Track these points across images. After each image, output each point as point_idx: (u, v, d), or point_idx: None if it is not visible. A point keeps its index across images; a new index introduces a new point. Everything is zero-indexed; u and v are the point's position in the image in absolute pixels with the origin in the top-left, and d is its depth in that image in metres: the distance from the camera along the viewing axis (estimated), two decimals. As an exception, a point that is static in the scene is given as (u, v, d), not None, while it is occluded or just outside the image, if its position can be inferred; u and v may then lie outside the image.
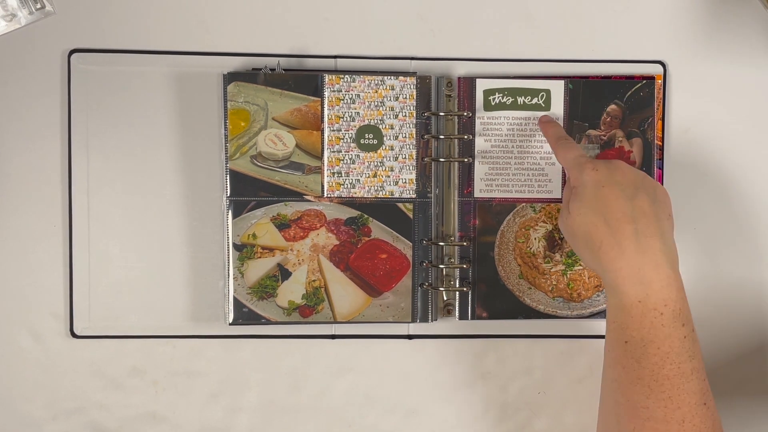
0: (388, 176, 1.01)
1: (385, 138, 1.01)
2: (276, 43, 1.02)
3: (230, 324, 1.00)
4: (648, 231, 0.87)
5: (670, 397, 0.86)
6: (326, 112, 1.00)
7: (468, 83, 1.02)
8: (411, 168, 1.01)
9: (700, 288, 1.05)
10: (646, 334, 0.86)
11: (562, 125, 1.02)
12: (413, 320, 1.02)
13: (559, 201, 1.03)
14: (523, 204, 1.03)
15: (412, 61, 1.03)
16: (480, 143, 1.02)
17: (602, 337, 1.04)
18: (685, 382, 0.86)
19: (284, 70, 1.01)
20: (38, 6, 1.00)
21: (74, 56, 1.01)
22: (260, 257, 1.00)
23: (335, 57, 1.02)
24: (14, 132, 1.01)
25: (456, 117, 1.02)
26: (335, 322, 1.01)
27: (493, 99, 1.02)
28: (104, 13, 1.01)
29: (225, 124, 1.00)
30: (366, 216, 1.01)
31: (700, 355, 0.88)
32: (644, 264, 0.86)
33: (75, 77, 1.01)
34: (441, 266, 1.02)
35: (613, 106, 1.03)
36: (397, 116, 1.00)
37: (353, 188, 1.01)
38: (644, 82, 1.03)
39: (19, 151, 1.01)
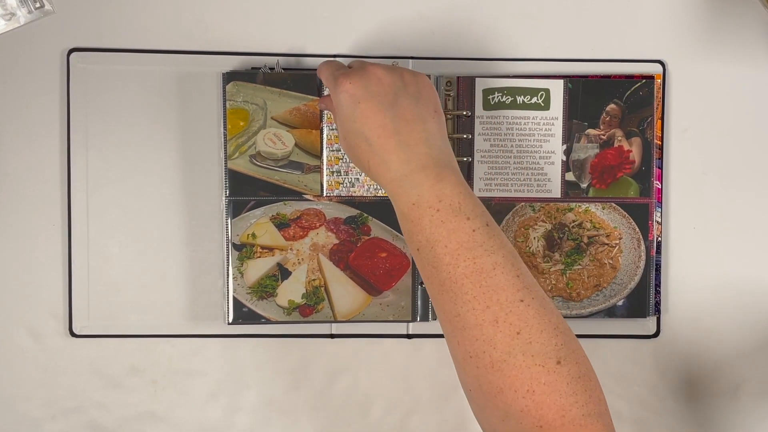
0: (388, 175, 1.01)
1: (384, 137, 1.00)
2: (275, 43, 1.02)
3: (230, 324, 1.00)
4: (411, 139, 0.86)
5: (475, 297, 0.82)
6: (325, 111, 1.00)
7: (467, 82, 1.02)
8: (410, 167, 1.01)
9: (700, 288, 1.05)
10: (430, 234, 0.83)
11: (562, 125, 1.02)
12: (413, 319, 1.02)
13: (558, 200, 1.03)
14: (523, 203, 1.03)
15: (412, 60, 1.03)
16: (479, 142, 1.02)
17: (601, 336, 1.04)
18: (486, 278, 0.82)
19: (283, 69, 1.01)
20: (37, 5, 1.00)
21: (73, 55, 1.00)
22: (260, 257, 1.00)
23: (334, 56, 1.02)
24: (13, 131, 1.01)
25: (455, 116, 1.02)
26: (335, 321, 1.01)
27: (493, 98, 1.02)
28: (103, 12, 1.01)
29: (224, 124, 1.00)
30: (365, 215, 1.01)
31: (506, 251, 0.84)
32: (411, 170, 0.85)
33: (74, 76, 1.01)
34: (440, 265, 1.02)
35: (612, 106, 1.03)
36: (396, 115, 1.00)
37: (352, 187, 1.01)
38: (644, 81, 1.03)
39: (18, 151, 1.01)
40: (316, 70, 1.00)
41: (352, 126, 0.88)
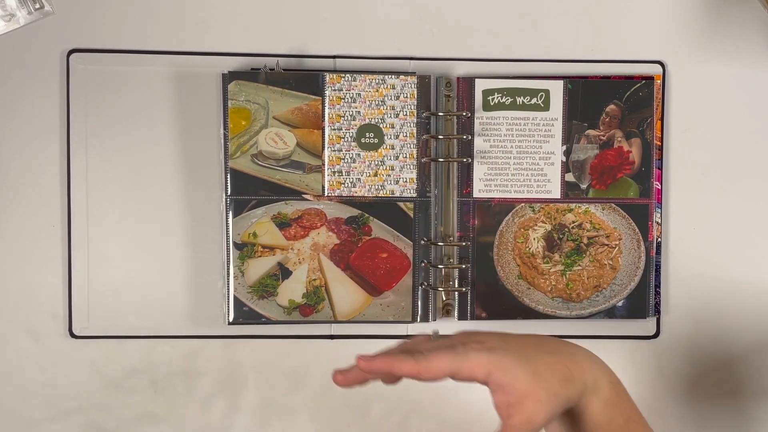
0: (389, 175, 1.01)
1: (385, 137, 1.01)
2: (275, 43, 1.02)
3: (230, 323, 1.00)
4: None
5: None
6: (327, 110, 1.00)
7: (467, 83, 1.02)
8: (412, 167, 1.01)
9: (700, 288, 1.05)
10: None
11: (562, 125, 1.02)
12: (413, 320, 1.02)
13: (558, 201, 1.03)
14: (522, 204, 1.03)
15: (411, 61, 1.03)
16: (479, 143, 1.02)
17: (600, 337, 1.04)
18: None
19: (283, 70, 1.01)
20: (37, 6, 1.00)
21: (73, 56, 1.00)
22: (261, 256, 1.00)
23: (334, 57, 1.02)
24: (13, 132, 1.01)
25: (455, 117, 1.02)
26: (336, 321, 1.01)
27: (492, 99, 1.02)
28: (103, 13, 1.01)
29: (225, 123, 1.00)
30: (366, 215, 1.01)
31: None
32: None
33: (74, 77, 1.00)
34: (439, 266, 1.02)
35: (612, 106, 1.03)
36: (397, 115, 1.01)
37: (354, 187, 1.01)
38: (643, 82, 1.03)
39: (18, 151, 1.01)
40: (317, 71, 1.00)
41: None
